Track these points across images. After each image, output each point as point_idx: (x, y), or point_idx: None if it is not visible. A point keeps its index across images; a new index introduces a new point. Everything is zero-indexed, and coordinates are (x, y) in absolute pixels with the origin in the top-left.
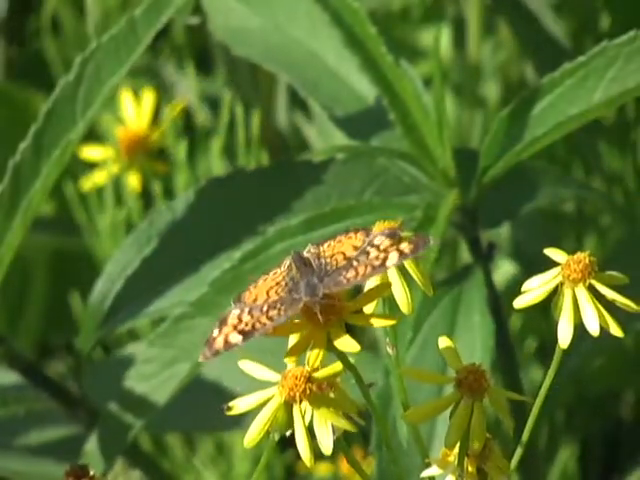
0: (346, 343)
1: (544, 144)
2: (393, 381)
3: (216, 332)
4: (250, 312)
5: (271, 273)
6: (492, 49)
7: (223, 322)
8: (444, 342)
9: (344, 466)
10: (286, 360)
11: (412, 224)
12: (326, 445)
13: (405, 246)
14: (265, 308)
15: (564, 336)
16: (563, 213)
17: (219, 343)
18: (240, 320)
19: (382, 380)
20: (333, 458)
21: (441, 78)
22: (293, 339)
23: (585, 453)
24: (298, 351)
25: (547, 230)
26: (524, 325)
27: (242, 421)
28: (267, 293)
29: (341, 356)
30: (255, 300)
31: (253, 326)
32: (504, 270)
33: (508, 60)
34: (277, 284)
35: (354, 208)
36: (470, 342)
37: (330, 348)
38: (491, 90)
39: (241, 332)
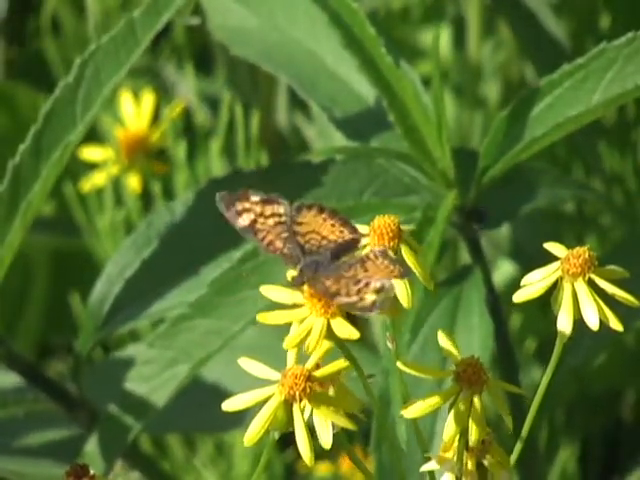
0: (345, 330)
1: (543, 145)
2: (393, 379)
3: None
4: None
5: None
6: (492, 49)
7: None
8: (444, 338)
9: (344, 465)
10: (286, 347)
11: (411, 225)
12: (325, 439)
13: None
14: (273, 235)
15: (563, 330)
16: (563, 213)
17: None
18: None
19: (382, 379)
20: (333, 457)
21: (440, 78)
22: (294, 328)
23: (585, 453)
24: (298, 339)
25: (547, 230)
26: (524, 325)
27: (242, 421)
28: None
29: (341, 345)
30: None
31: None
32: (504, 270)
33: (508, 60)
34: (279, 223)
35: (353, 209)
36: (469, 342)
37: (330, 336)
38: (491, 90)
39: (252, 222)
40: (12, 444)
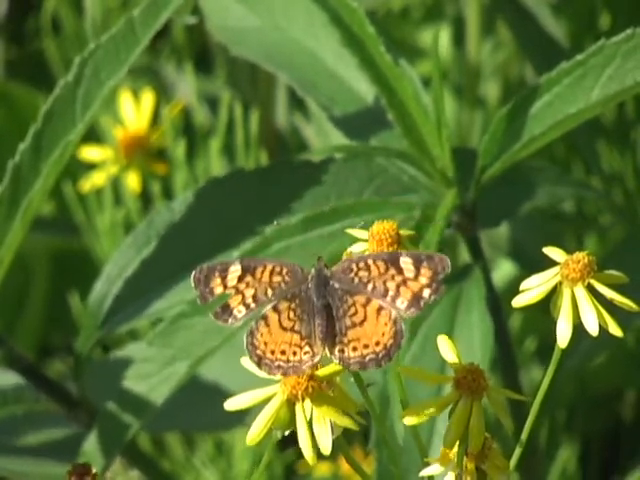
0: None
1: (542, 143)
2: (392, 380)
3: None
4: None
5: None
6: (492, 49)
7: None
8: (443, 342)
9: (344, 465)
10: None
11: (410, 223)
12: (325, 444)
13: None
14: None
15: (563, 336)
16: (563, 213)
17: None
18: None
19: (381, 379)
20: (334, 457)
21: (440, 78)
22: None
23: (585, 453)
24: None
25: (547, 230)
26: (524, 325)
27: (241, 420)
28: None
29: None
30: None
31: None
32: (504, 270)
33: (508, 60)
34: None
35: (352, 208)
36: (469, 341)
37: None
38: (491, 90)
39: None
40: (12, 443)
